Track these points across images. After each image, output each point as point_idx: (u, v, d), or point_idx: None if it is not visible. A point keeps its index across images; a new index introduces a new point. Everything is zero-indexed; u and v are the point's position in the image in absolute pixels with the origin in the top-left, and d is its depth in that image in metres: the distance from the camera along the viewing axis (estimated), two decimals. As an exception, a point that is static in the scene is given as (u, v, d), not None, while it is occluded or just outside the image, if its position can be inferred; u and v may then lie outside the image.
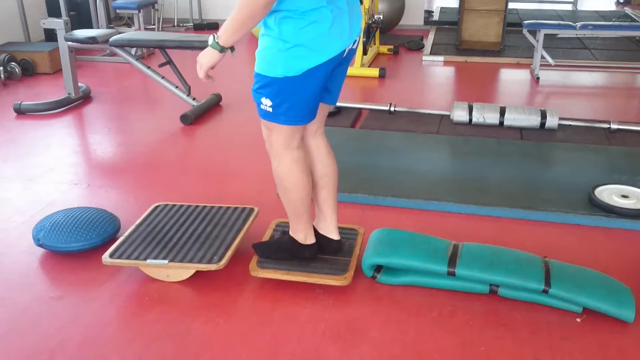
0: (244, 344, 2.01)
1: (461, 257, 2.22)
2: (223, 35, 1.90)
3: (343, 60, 2.06)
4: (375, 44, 5.95)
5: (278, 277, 2.26)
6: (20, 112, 4.27)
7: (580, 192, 2.96)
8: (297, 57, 1.91)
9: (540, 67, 5.23)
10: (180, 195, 3.00)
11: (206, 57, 1.96)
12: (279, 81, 1.95)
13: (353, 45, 2.05)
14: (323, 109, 2.20)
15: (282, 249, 2.34)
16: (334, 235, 2.36)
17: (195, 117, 4.11)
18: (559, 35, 6.43)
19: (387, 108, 4.15)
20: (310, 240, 2.32)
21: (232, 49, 1.95)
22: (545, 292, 2.11)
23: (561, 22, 5.62)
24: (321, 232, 2.36)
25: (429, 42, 6.43)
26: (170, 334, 2.05)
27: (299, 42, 1.89)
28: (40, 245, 2.49)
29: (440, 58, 5.86)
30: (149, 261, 2.27)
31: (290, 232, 2.34)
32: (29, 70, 5.26)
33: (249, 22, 1.84)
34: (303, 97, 1.99)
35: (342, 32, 1.96)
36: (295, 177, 2.15)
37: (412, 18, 7.17)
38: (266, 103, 2.01)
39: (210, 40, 1.93)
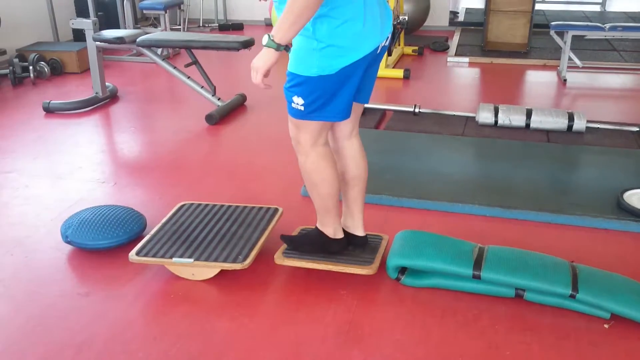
0: (268, 343, 2.02)
1: (487, 260, 2.20)
2: (278, 33, 1.81)
3: (376, 57, 2.06)
4: (399, 45, 5.93)
5: (303, 266, 2.28)
6: (49, 110, 4.34)
7: (609, 196, 2.92)
8: (332, 56, 1.90)
9: (567, 69, 5.16)
10: (205, 195, 3.03)
11: (262, 59, 1.87)
12: (313, 80, 1.94)
13: (385, 42, 2.04)
14: (356, 109, 2.20)
15: (310, 242, 2.35)
16: (360, 232, 2.38)
17: (220, 117, 4.14)
18: (586, 37, 6.34)
19: (411, 109, 4.14)
20: (339, 234, 2.33)
21: (287, 48, 1.89)
22: (572, 297, 2.08)
23: (589, 23, 5.54)
24: (348, 230, 2.38)
25: (454, 43, 6.39)
26: (196, 331, 2.07)
27: (334, 42, 1.88)
28: (68, 242, 2.53)
29: (466, 59, 5.82)
30: (174, 259, 2.29)
31: (318, 226, 2.34)
32: (57, 70, 5.35)
33: (305, 13, 1.76)
34: (338, 95, 1.99)
35: (374, 28, 1.95)
36: (324, 172, 2.15)
37: (437, 19, 7.13)
38: (298, 102, 2.00)
39: (265, 39, 1.83)
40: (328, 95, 1.97)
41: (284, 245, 2.39)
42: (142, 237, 2.52)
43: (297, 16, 1.77)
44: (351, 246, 2.38)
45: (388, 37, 2.05)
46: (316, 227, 2.35)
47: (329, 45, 1.89)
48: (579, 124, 3.76)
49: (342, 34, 1.88)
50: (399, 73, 5.20)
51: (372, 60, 2.03)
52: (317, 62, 1.91)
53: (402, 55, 5.97)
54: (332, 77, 1.93)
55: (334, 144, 2.26)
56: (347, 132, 2.23)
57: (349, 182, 2.29)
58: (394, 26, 5.35)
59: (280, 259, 2.30)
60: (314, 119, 2.03)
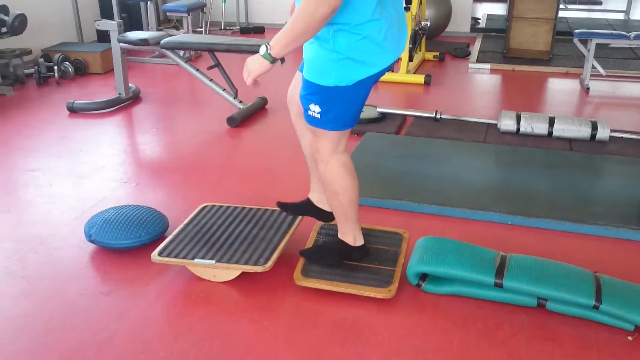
0: (288, 346, 2.02)
1: (509, 268, 2.19)
2: (276, 47, 1.89)
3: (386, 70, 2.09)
4: (421, 50, 5.92)
5: (322, 287, 2.26)
6: (73, 110, 4.40)
7: (633, 207, 2.89)
8: (350, 69, 1.94)
9: (590, 77, 5.11)
10: (227, 196, 3.04)
11: (255, 65, 1.95)
12: (330, 90, 1.98)
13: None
14: None
15: (331, 254, 2.35)
16: (328, 207, 2.43)
17: (242, 120, 4.16)
18: (610, 45, 6.28)
19: (432, 115, 4.13)
20: (360, 241, 2.33)
21: (282, 60, 1.95)
22: (595, 308, 2.06)
23: (614, 31, 5.49)
24: (317, 204, 2.47)
25: (475, 49, 6.36)
26: (216, 333, 2.08)
27: (352, 55, 1.92)
28: (91, 241, 2.56)
29: (487, 66, 5.79)
30: (196, 260, 2.31)
31: (339, 235, 2.34)
32: (81, 70, 5.41)
33: (303, 35, 1.85)
34: (351, 105, 2.04)
35: (392, 45, 1.99)
36: (344, 181, 2.16)
37: (459, 25, 7.11)
38: (315, 109, 2.03)
39: (263, 50, 1.91)
40: (343, 105, 2.02)
41: (301, 263, 2.36)
42: (164, 238, 2.54)
43: (296, 37, 1.85)
44: (366, 254, 2.38)
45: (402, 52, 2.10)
46: (336, 237, 2.36)
47: (348, 57, 1.92)
48: (603, 133, 3.73)
49: (361, 49, 1.92)
50: (419, 79, 5.19)
51: (382, 73, 2.07)
52: (334, 73, 1.95)
53: (423, 61, 5.96)
54: (348, 89, 1.97)
55: (298, 120, 2.30)
56: None
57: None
58: (416, 32, 5.35)
59: (299, 280, 2.28)
60: (331, 129, 2.06)
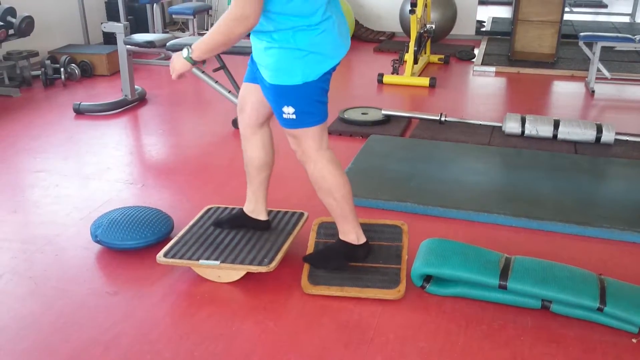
0: (292, 347, 2.03)
1: (513, 270, 2.19)
2: (197, 52, 2.07)
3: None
4: (426, 53, 5.93)
5: (331, 294, 2.26)
6: (79, 112, 4.42)
7: (638, 209, 2.88)
8: (314, 63, 2.04)
9: (595, 80, 5.11)
10: (231, 198, 3.05)
11: (179, 64, 2.14)
12: (299, 88, 2.06)
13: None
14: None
15: (335, 257, 2.36)
16: (264, 217, 2.52)
17: (247, 122, 4.17)
18: (616, 48, 6.27)
19: (437, 118, 4.13)
20: (362, 238, 2.35)
21: (204, 62, 2.10)
22: (600, 310, 2.06)
23: (619, 34, 5.48)
24: (251, 214, 2.52)
25: (480, 52, 6.37)
26: (221, 333, 2.09)
27: (315, 49, 2.02)
28: (97, 242, 2.57)
29: (492, 68, 5.80)
30: (201, 262, 2.32)
31: (340, 237, 2.35)
32: (87, 72, 5.44)
33: (222, 47, 2.03)
34: (321, 97, 2.13)
35: (342, 38, 2.13)
36: (335, 177, 2.21)
37: (464, 28, 7.12)
38: (289, 111, 2.10)
39: (185, 53, 2.10)
40: (314, 99, 2.10)
41: (307, 270, 2.36)
42: (170, 239, 2.56)
43: (215, 48, 2.03)
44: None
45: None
46: (338, 239, 2.37)
47: (311, 52, 2.02)
48: (608, 136, 3.73)
49: (321, 42, 2.03)
50: (424, 81, 5.20)
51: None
52: (300, 71, 2.03)
53: (428, 64, 5.97)
54: (315, 83, 2.07)
55: (248, 130, 2.36)
56: (263, 120, 2.35)
57: (259, 168, 2.43)
58: (421, 34, 5.36)
59: (308, 288, 2.28)
60: (308, 125, 2.12)
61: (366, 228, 2.47)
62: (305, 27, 2.00)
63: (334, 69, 2.13)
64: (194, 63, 2.12)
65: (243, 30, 1.93)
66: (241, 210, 2.56)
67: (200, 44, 2.05)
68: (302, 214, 2.66)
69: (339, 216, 2.29)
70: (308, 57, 2.02)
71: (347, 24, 2.21)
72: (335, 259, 2.35)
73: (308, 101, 2.09)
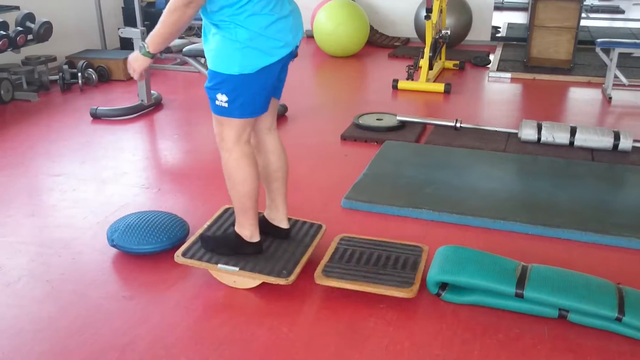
0: (307, 353, 2.03)
1: (530, 278, 2.18)
2: (152, 45, 2.14)
3: (288, 60, 2.25)
4: (441, 59, 5.91)
5: (343, 286, 2.27)
6: (96, 116, 4.46)
7: (656, 218, 2.85)
8: (252, 56, 2.08)
9: (612, 86, 5.06)
10: (247, 203, 3.06)
11: (139, 62, 2.20)
12: (235, 78, 2.10)
13: (296, 49, 2.25)
14: (273, 103, 2.37)
15: (226, 244, 2.41)
16: (284, 225, 2.52)
17: (262, 127, 4.18)
18: (633, 55, 6.22)
19: (452, 124, 4.12)
20: (256, 238, 2.39)
21: (161, 53, 2.07)
22: (618, 320, 2.04)
23: (637, 40, 5.43)
24: (273, 222, 2.52)
25: (495, 58, 6.34)
26: (236, 339, 2.09)
27: (253, 45, 2.06)
28: (114, 246, 2.59)
29: (507, 75, 5.77)
30: (220, 266, 2.33)
31: (235, 228, 2.40)
32: (104, 77, 5.49)
33: (170, 37, 2.11)
34: (257, 92, 2.16)
35: (287, 37, 2.15)
36: (244, 171, 2.25)
37: (479, 33, 7.09)
38: (222, 99, 2.16)
39: (142, 50, 2.16)
40: (250, 93, 2.14)
41: (324, 262, 2.39)
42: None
43: (165, 38, 2.11)
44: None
45: (298, 45, 2.25)
46: (233, 229, 2.42)
47: (249, 46, 2.07)
48: (625, 143, 3.69)
49: (260, 40, 2.08)
50: (439, 87, 5.18)
51: (285, 63, 2.24)
52: (238, 61, 2.09)
53: (443, 70, 5.95)
54: (252, 76, 2.11)
55: (255, 139, 2.39)
56: (267, 126, 2.39)
57: (272, 175, 2.43)
58: (436, 40, 5.35)
59: (320, 279, 2.30)
60: (238, 116, 2.17)
61: (387, 245, 2.49)
62: (245, 26, 2.05)
63: (278, 63, 2.15)
64: (153, 56, 2.18)
65: (193, 12, 2.02)
66: (263, 215, 2.55)
67: (155, 37, 2.12)
68: (320, 227, 2.64)
69: (239, 209, 2.35)
70: (245, 51, 2.08)
71: (300, 20, 2.25)
72: (225, 246, 2.41)
73: (242, 93, 2.14)
